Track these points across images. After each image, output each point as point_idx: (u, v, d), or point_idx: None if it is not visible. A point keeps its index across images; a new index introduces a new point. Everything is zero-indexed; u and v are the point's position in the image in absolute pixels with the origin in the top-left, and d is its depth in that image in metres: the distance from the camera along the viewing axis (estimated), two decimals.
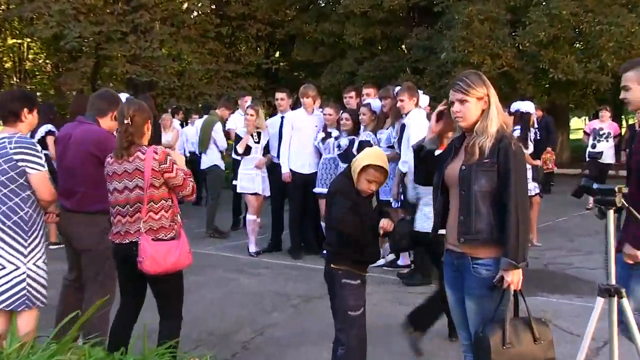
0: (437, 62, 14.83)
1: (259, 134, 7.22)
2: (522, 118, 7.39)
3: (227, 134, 9.25)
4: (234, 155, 7.64)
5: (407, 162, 5.90)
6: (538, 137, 7.59)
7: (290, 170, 7.14)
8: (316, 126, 7.16)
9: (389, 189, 6.22)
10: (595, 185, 3.12)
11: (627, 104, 3.20)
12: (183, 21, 17.21)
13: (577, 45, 14.31)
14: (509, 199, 2.63)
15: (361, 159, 3.38)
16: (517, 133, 7.35)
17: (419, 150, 3.06)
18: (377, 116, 6.60)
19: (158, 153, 3.33)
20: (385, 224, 3.33)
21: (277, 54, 21.00)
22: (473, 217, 2.69)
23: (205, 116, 9.16)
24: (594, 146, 10.10)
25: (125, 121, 3.34)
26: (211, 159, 8.54)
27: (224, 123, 9.07)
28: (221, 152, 8.65)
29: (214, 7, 18.34)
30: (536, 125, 7.59)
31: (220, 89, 17.04)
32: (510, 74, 13.88)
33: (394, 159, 6.16)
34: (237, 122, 8.63)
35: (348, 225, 3.29)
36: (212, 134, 8.47)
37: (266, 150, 7.34)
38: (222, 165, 8.72)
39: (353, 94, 7.38)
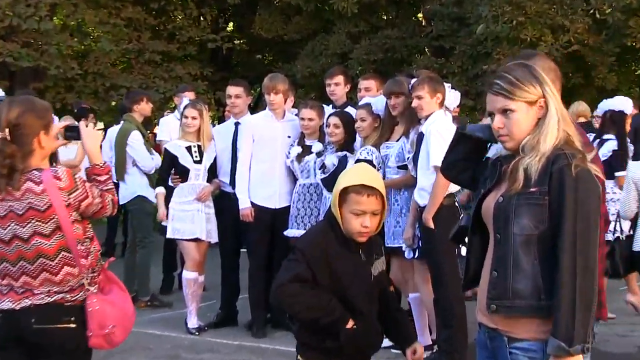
0: (470, 39, 15.00)
1: (200, 149, 7.34)
2: (614, 121, 7.32)
3: (157, 149, 9.25)
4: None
5: (426, 189, 6.03)
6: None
7: (251, 203, 7.23)
8: (289, 137, 7.29)
9: (400, 230, 6.35)
10: None
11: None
12: None
13: None
14: (563, 248, 2.70)
15: (337, 184, 3.41)
16: (612, 145, 7.46)
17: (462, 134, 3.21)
18: (382, 122, 6.72)
19: (62, 178, 3.42)
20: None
21: (230, 27, 21.14)
22: (510, 273, 2.79)
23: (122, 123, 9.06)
24: None
25: (0, 134, 3.39)
26: (132, 187, 8.54)
27: (145, 127, 9.06)
28: (148, 174, 8.60)
29: None
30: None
31: (144, 80, 17.01)
32: (582, 55, 14.07)
33: (407, 184, 6.32)
34: (172, 130, 8.69)
35: (293, 303, 3.29)
36: (127, 149, 8.50)
37: (212, 173, 7.45)
38: (151, 195, 8.70)
39: (340, 79, 7.50)
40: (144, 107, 8.93)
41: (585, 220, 2.73)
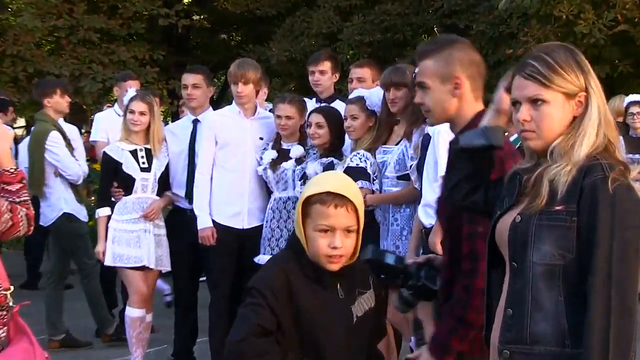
0: (491, 16, 15.10)
1: (149, 154, 7.37)
2: None
3: (92, 152, 9.20)
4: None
5: (432, 205, 6.05)
6: None
7: (214, 222, 7.26)
8: (261, 139, 7.33)
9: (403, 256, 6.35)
10: (389, 259, 3.40)
11: (426, 115, 3.67)
12: None
13: None
14: (594, 282, 2.71)
15: (300, 196, 3.39)
16: None
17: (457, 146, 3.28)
18: (379, 120, 6.74)
19: None
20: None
21: None
22: (528, 312, 2.82)
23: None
24: None
25: None
26: (54, 204, 8.50)
27: (79, 126, 9.00)
28: (75, 186, 8.60)
29: None
30: None
31: (77, 65, 17.02)
32: (631, 37, 14.16)
33: (409, 199, 6.36)
34: (110, 129, 8.69)
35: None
36: (47, 155, 8.44)
37: (164, 184, 7.48)
38: (81, 213, 8.67)
39: (327, 66, 7.57)
40: (58, 102, 8.81)
41: (623, 249, 2.72)
